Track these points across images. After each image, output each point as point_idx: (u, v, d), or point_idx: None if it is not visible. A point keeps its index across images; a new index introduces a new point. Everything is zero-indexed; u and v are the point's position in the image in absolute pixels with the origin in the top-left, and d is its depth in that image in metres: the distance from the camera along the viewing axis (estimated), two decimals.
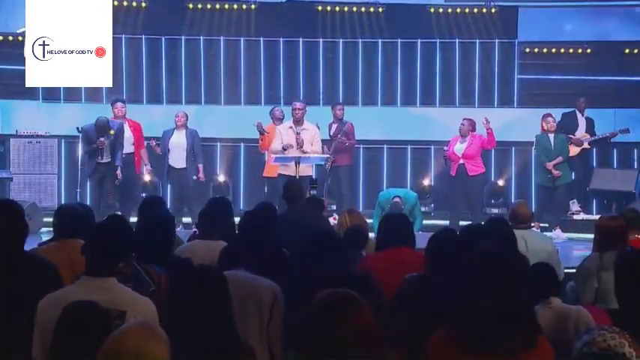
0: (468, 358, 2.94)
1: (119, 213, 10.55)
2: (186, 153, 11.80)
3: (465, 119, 11.69)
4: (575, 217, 12.44)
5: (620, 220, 5.91)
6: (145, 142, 12.05)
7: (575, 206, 12.62)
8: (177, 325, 3.31)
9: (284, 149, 10.55)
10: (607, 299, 5.11)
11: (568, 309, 4.55)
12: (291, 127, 10.75)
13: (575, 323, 4.35)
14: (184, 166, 11.82)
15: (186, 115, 11.99)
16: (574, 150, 12.47)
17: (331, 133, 12.19)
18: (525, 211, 6.61)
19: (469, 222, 9.86)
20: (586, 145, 12.67)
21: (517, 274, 3.01)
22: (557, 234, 11.53)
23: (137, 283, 4.37)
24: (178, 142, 11.84)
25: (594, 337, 2.58)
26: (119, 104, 11.42)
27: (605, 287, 5.22)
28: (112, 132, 10.90)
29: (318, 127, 11.59)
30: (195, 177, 11.97)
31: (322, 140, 11.35)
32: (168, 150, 11.85)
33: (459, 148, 11.51)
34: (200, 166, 11.97)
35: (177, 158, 11.83)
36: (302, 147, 10.57)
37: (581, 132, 12.68)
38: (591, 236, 6.01)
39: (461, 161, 11.46)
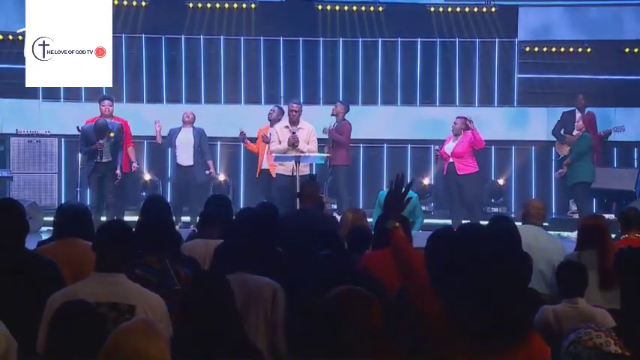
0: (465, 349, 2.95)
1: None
2: (194, 150, 11.80)
3: (457, 118, 11.65)
4: (575, 216, 12.44)
5: (599, 219, 5.91)
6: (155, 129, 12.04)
7: (574, 206, 12.63)
8: (184, 327, 3.32)
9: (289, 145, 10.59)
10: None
11: (593, 311, 4.55)
12: (287, 127, 10.78)
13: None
14: (191, 163, 11.81)
15: (194, 114, 12.00)
16: (567, 150, 12.48)
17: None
18: (539, 207, 6.60)
19: (467, 221, 9.91)
20: None
21: (512, 272, 3.01)
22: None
23: (163, 278, 4.41)
24: (185, 139, 11.83)
25: (580, 336, 2.58)
26: (107, 102, 11.24)
27: None
28: (112, 134, 10.90)
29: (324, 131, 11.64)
30: (207, 172, 11.99)
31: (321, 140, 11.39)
32: (175, 148, 11.85)
33: (449, 146, 11.51)
34: (210, 162, 12.02)
35: (185, 156, 11.82)
36: (297, 146, 10.57)
37: (578, 131, 12.66)
38: None
39: (450, 160, 11.45)
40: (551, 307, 4.61)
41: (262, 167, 11.58)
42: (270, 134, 11.31)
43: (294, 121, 10.78)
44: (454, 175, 11.44)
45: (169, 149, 12.22)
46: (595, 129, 12.40)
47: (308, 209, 7.08)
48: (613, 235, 8.15)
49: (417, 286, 3.24)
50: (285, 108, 11.60)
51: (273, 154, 10.71)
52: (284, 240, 5.42)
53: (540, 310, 4.57)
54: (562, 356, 2.61)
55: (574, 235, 11.63)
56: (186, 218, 11.96)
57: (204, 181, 12.09)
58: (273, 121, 11.61)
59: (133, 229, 4.38)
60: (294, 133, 10.68)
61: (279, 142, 10.75)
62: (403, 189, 3.46)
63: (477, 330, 2.93)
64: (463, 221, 10.66)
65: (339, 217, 9.59)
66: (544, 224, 11.72)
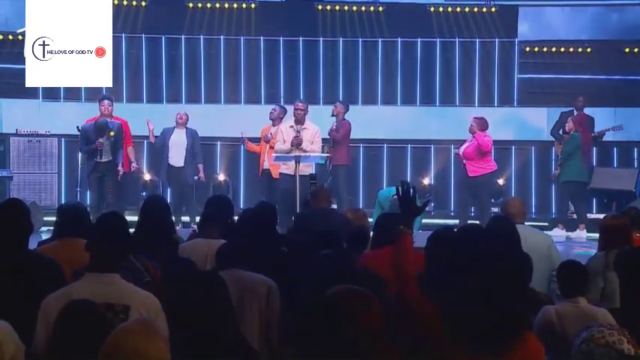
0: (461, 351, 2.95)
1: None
2: (186, 152, 11.79)
3: (474, 118, 11.61)
4: (575, 216, 12.44)
5: (624, 219, 5.91)
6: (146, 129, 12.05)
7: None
8: (180, 327, 3.32)
9: (292, 146, 10.59)
10: (613, 298, 5.11)
11: (594, 310, 4.55)
12: (292, 126, 10.79)
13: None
14: (182, 165, 11.80)
15: (187, 115, 11.99)
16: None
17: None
18: (518, 205, 6.60)
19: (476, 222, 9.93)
20: None
21: (512, 272, 3.02)
22: (558, 232, 11.57)
23: (133, 274, 4.40)
24: (178, 140, 11.83)
25: (593, 334, 2.57)
26: (106, 102, 11.27)
27: (611, 286, 5.22)
28: (112, 133, 10.90)
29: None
30: (196, 177, 11.97)
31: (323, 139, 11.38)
32: (168, 148, 11.84)
33: (462, 148, 11.51)
34: (200, 165, 11.98)
35: (177, 157, 11.82)
36: (300, 145, 10.57)
37: None
38: (592, 235, 6.01)
39: (464, 161, 11.47)
40: (554, 307, 4.61)
41: (264, 167, 11.60)
42: (271, 134, 11.30)
43: (299, 120, 10.77)
44: (465, 177, 11.47)
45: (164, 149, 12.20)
46: (586, 129, 12.37)
47: (325, 208, 7.18)
48: None
49: (410, 292, 3.25)
50: (287, 107, 11.62)
51: (273, 155, 10.71)
52: (287, 240, 5.44)
53: (542, 309, 4.56)
54: (574, 354, 2.60)
55: (574, 234, 11.72)
56: (185, 218, 11.95)
57: (194, 183, 12.07)
58: (274, 120, 11.62)
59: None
60: (298, 132, 10.66)
61: (284, 142, 10.74)
62: (410, 193, 3.49)
63: (477, 330, 2.93)
64: (470, 222, 10.68)
65: None
66: (545, 224, 11.89)
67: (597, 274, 5.45)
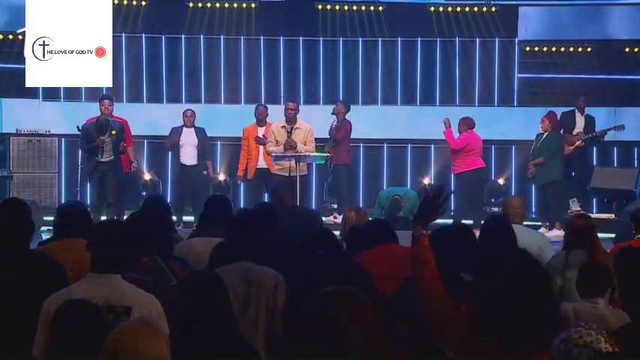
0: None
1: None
2: (198, 151, 11.80)
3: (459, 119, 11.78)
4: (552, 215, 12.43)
5: (588, 219, 5.91)
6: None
7: (575, 205, 12.62)
8: (179, 327, 3.33)
9: (285, 149, 10.56)
10: (570, 296, 5.11)
11: (611, 311, 4.54)
12: (283, 127, 10.72)
13: (618, 326, 4.32)
14: (195, 163, 11.81)
15: (194, 114, 11.97)
16: (567, 149, 12.46)
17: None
18: (517, 206, 6.61)
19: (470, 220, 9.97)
20: (579, 143, 12.66)
21: (524, 274, 2.98)
22: (555, 233, 11.58)
23: (158, 276, 4.39)
24: (190, 139, 11.81)
25: (571, 334, 2.58)
26: (106, 101, 11.26)
27: (570, 285, 5.24)
28: (114, 132, 10.90)
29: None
30: (205, 172, 12.01)
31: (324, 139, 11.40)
32: (180, 147, 11.80)
33: None
34: (209, 162, 12.04)
35: (189, 155, 11.80)
36: (295, 148, 10.51)
37: (578, 130, 12.69)
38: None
39: None
40: (572, 305, 4.60)
41: (258, 166, 11.59)
42: (263, 135, 11.28)
43: (290, 120, 10.73)
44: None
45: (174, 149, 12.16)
46: (559, 128, 12.43)
47: (291, 206, 7.24)
48: (613, 235, 8.24)
49: (431, 294, 3.21)
50: (275, 107, 11.63)
51: (272, 155, 10.69)
52: (279, 239, 5.43)
53: (560, 306, 4.56)
54: (553, 354, 2.61)
55: (551, 233, 11.71)
56: (189, 218, 11.92)
57: (204, 181, 12.10)
58: (261, 121, 11.63)
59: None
60: (289, 132, 10.60)
61: (277, 143, 10.67)
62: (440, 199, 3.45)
63: (501, 332, 2.87)
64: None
65: (340, 217, 9.64)
66: (546, 224, 11.88)
67: (556, 273, 5.46)
